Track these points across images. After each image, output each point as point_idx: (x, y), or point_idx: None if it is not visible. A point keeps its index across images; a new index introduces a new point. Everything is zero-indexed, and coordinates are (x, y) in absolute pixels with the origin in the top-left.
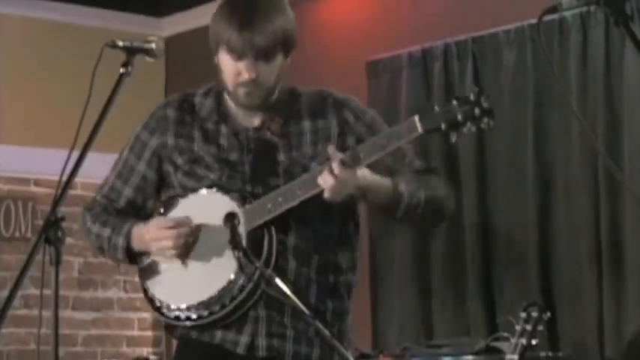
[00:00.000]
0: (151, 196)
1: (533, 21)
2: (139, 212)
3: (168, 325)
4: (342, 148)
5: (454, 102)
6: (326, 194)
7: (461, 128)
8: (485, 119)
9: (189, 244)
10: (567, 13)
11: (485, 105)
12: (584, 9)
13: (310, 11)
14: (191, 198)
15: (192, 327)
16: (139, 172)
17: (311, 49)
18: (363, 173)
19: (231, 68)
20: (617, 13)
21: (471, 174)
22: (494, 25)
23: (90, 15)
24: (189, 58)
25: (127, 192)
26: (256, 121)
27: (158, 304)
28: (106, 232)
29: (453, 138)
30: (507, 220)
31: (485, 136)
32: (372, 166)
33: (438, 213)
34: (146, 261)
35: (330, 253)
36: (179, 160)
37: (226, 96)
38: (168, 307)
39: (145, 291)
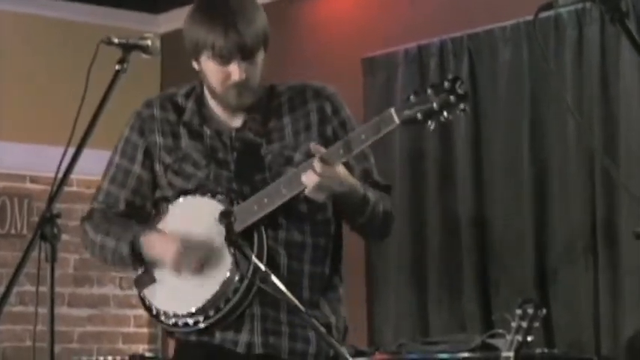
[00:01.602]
0: (149, 196)
1: (529, 18)
2: (139, 213)
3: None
4: (323, 136)
5: (429, 91)
6: (307, 192)
7: (437, 117)
8: (462, 105)
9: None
10: (563, 10)
11: (460, 91)
12: (580, 6)
13: (306, 8)
14: (179, 203)
15: (189, 332)
16: (134, 174)
17: (307, 46)
18: (345, 173)
19: (218, 73)
20: (612, 10)
21: (466, 170)
22: (490, 22)
23: (86, 12)
24: (185, 55)
25: (125, 195)
26: (238, 122)
27: (155, 312)
28: (110, 242)
29: (432, 127)
30: (503, 216)
31: (481, 133)
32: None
33: (388, 228)
34: (140, 270)
35: (322, 243)
36: (167, 159)
37: (209, 99)
38: (166, 314)
39: (142, 299)
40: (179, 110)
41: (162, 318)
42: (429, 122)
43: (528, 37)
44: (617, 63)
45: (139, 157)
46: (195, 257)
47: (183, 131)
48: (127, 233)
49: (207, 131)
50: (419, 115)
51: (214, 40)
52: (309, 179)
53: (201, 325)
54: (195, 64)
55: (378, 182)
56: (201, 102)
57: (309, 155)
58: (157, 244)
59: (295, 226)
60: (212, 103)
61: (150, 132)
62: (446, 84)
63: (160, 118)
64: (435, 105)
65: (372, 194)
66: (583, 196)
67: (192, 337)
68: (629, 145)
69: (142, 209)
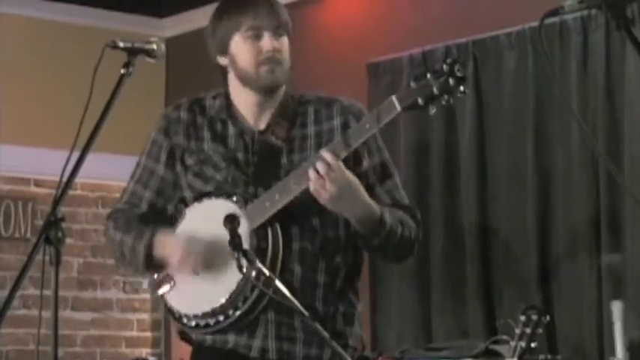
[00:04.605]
0: (171, 198)
1: (535, 24)
2: (161, 215)
3: (183, 332)
4: None
5: (428, 75)
6: (311, 188)
7: (438, 101)
8: (461, 87)
9: (202, 257)
10: (568, 17)
11: (458, 74)
12: (585, 12)
13: (311, 13)
14: (195, 207)
15: (211, 332)
16: (158, 175)
17: (312, 51)
18: (355, 183)
19: (250, 51)
20: (618, 16)
21: (470, 176)
22: (495, 28)
23: (91, 15)
24: (189, 58)
25: (148, 195)
26: (262, 124)
27: (177, 315)
28: (129, 239)
29: (432, 111)
30: (507, 222)
31: (486, 139)
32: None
33: (406, 252)
34: (162, 274)
35: (336, 256)
36: (189, 161)
37: (236, 99)
38: (187, 316)
39: (165, 303)
40: (205, 111)
41: (185, 320)
42: (430, 107)
43: (533, 43)
44: (622, 69)
45: (163, 157)
46: (200, 259)
47: (207, 133)
48: (146, 232)
49: (231, 130)
50: (420, 101)
51: (245, 17)
52: (314, 173)
53: (223, 325)
54: (221, 60)
55: (400, 201)
56: (228, 101)
57: None
58: (167, 245)
59: (307, 238)
60: (239, 103)
61: (174, 134)
62: (445, 67)
63: (186, 120)
64: (435, 89)
65: (390, 217)
66: (587, 201)
67: (207, 341)
68: (633, 150)
69: (165, 210)
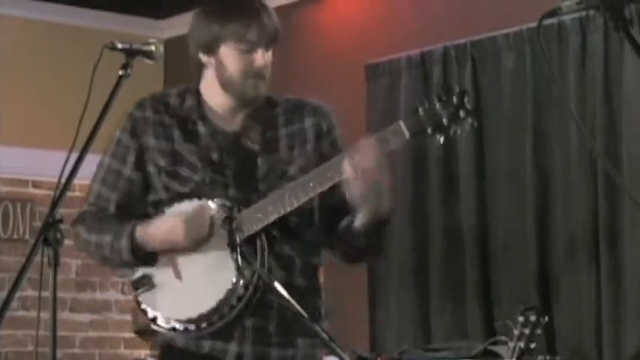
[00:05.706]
0: (140, 198)
1: (533, 25)
2: (130, 216)
3: (144, 331)
4: (318, 151)
5: (437, 105)
6: (350, 175)
7: (447, 131)
8: (470, 119)
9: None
10: (566, 18)
11: (468, 106)
12: (584, 13)
13: (310, 14)
14: (177, 207)
15: (189, 338)
16: (125, 176)
17: (310, 52)
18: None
19: (240, 61)
20: (616, 17)
21: (469, 177)
22: (494, 29)
23: (90, 17)
24: (188, 60)
25: (115, 197)
26: (234, 126)
27: (152, 316)
28: (107, 238)
29: (441, 140)
30: (506, 224)
31: (484, 140)
32: (330, 196)
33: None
34: (139, 274)
35: (311, 258)
36: (161, 162)
37: (208, 98)
38: (166, 319)
39: (139, 302)
40: (172, 111)
41: (160, 322)
42: (438, 136)
43: (531, 44)
44: (620, 70)
45: (131, 158)
46: (206, 230)
47: (176, 133)
48: (124, 227)
49: (203, 130)
50: (429, 130)
51: (245, 28)
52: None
53: (204, 332)
54: (205, 58)
55: None
56: (199, 100)
57: (303, 170)
58: (162, 224)
59: (286, 241)
60: (212, 102)
61: (142, 133)
62: (455, 99)
63: (152, 120)
64: (444, 120)
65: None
66: (586, 202)
67: (179, 344)
68: (631, 150)
69: (133, 212)
